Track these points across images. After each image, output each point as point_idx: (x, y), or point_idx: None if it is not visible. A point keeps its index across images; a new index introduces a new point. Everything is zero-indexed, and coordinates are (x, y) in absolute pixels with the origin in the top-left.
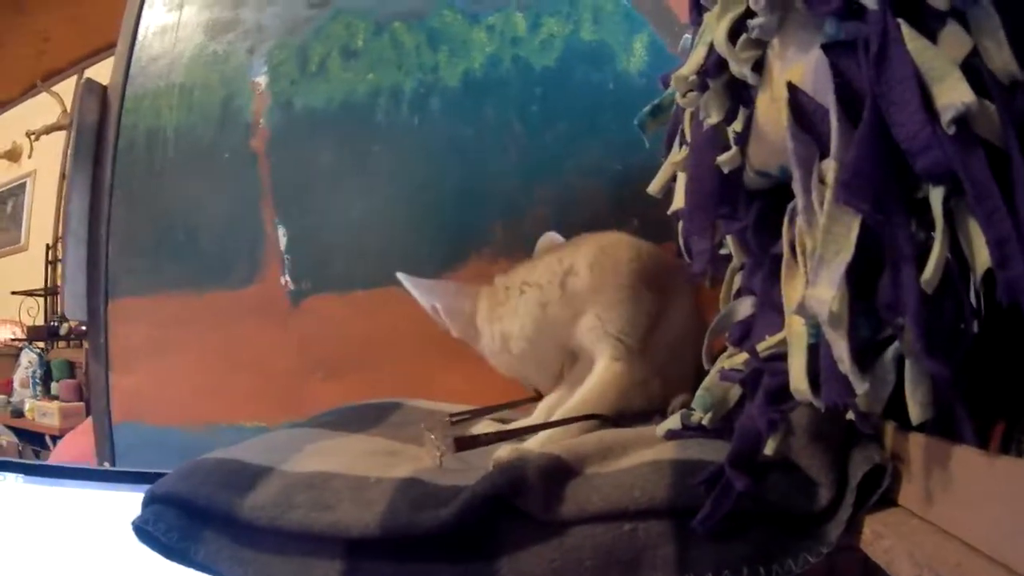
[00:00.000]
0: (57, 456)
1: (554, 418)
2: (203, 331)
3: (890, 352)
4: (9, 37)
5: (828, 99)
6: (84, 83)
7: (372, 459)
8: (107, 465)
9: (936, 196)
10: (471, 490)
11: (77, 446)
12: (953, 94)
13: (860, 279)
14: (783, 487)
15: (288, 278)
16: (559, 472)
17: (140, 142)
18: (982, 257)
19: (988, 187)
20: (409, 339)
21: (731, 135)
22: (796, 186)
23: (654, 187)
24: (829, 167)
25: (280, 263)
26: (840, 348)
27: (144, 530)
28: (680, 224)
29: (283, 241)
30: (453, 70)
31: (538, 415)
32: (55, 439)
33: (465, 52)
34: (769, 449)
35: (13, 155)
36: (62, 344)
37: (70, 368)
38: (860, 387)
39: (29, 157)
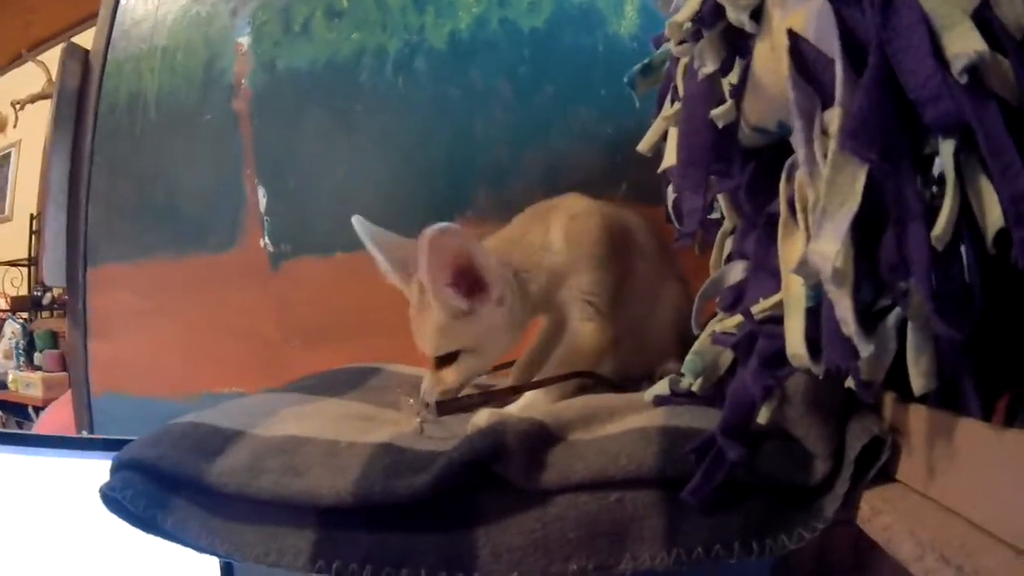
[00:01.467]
0: (40, 428)
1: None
2: (183, 297)
3: (891, 319)
4: None
5: (831, 47)
6: (66, 48)
7: (347, 424)
8: (85, 433)
9: (947, 148)
10: (448, 456)
11: (60, 417)
12: (964, 42)
13: (861, 239)
14: (777, 458)
15: (268, 240)
16: (541, 438)
17: (122, 106)
18: (994, 215)
19: (1003, 141)
20: (391, 304)
21: (726, 87)
22: (797, 137)
23: (644, 145)
24: (833, 116)
25: (260, 226)
26: (843, 307)
27: (112, 497)
28: (670, 185)
29: (263, 203)
30: (439, 31)
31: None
32: (38, 410)
33: (451, 13)
34: (763, 418)
35: None
36: (46, 314)
37: (53, 338)
38: (865, 349)
39: (14, 127)
